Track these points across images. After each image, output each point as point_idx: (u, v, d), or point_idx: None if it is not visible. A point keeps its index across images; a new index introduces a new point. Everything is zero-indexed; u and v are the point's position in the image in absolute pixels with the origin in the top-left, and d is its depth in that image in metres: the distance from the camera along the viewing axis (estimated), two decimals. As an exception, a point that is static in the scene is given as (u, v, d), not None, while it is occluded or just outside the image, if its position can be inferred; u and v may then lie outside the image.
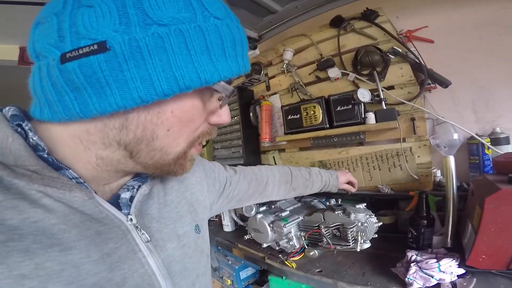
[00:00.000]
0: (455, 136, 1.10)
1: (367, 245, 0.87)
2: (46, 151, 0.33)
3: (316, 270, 0.91)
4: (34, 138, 0.33)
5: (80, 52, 0.28)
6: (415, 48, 1.19)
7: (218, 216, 1.50)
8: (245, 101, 1.74)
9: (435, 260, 0.75)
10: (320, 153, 1.49)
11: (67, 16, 0.29)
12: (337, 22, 1.35)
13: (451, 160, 0.89)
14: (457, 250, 0.80)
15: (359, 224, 0.87)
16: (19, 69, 1.41)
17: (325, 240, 0.93)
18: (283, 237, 1.02)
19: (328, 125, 1.35)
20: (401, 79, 1.22)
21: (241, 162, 1.67)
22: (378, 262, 0.89)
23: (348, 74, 1.33)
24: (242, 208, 1.09)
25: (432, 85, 1.16)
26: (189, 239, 0.49)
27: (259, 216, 1.06)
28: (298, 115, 1.43)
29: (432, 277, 0.70)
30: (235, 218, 1.36)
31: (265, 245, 1.07)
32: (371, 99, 1.23)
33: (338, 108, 1.30)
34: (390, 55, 1.21)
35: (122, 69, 0.29)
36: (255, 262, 1.13)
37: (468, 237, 0.75)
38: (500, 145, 1.01)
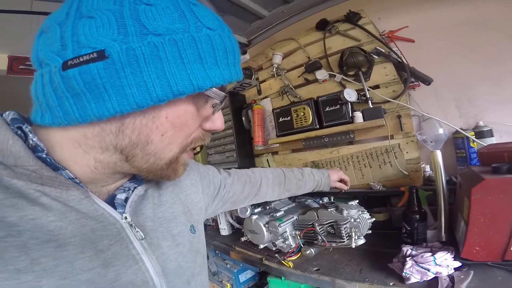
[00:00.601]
0: (441, 131, 1.11)
1: (361, 241, 0.86)
2: (45, 151, 0.35)
3: (313, 268, 0.90)
4: (34, 139, 0.34)
5: (81, 59, 0.30)
6: (397, 47, 1.21)
7: (215, 220, 1.48)
8: (237, 105, 1.73)
9: (430, 254, 0.74)
10: (312, 154, 1.48)
11: (69, 26, 0.31)
12: (323, 25, 1.36)
13: (438, 154, 0.89)
14: (452, 243, 0.79)
15: (352, 220, 0.86)
16: (7, 78, 1.38)
17: (320, 238, 0.92)
18: (279, 237, 1.01)
19: (318, 126, 1.35)
20: (386, 78, 1.23)
21: (235, 166, 1.66)
22: (374, 259, 0.88)
23: (335, 76, 1.34)
24: (237, 209, 1.08)
25: (415, 83, 1.18)
26: (183, 239, 0.49)
27: (254, 217, 1.04)
28: (289, 117, 1.43)
29: (429, 270, 0.70)
30: (231, 221, 1.34)
31: (262, 246, 1.06)
32: (358, 99, 1.24)
33: (327, 109, 1.31)
34: (373, 56, 1.23)
35: (119, 76, 0.30)
36: (253, 264, 1.11)
37: (461, 230, 0.74)
38: (484, 138, 1.02)
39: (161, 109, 0.35)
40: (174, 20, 0.33)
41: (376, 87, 1.25)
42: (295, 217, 1.04)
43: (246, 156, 1.73)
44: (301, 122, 1.39)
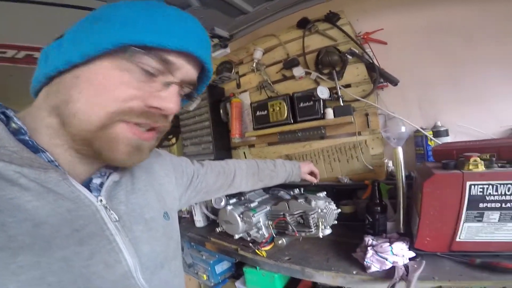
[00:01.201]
0: (403, 129, 1.18)
1: (328, 231, 0.90)
2: (27, 134, 0.37)
3: (285, 258, 0.93)
4: (18, 122, 0.37)
5: None
6: (370, 49, 1.25)
7: (190, 212, 1.47)
8: (216, 98, 1.71)
9: (388, 244, 0.79)
10: (286, 147, 1.52)
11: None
12: (303, 24, 1.38)
13: (399, 151, 0.94)
14: (409, 235, 0.85)
15: (319, 210, 0.90)
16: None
17: (290, 227, 0.96)
18: (253, 227, 1.03)
19: (292, 121, 1.39)
20: (357, 78, 1.28)
21: (211, 158, 1.64)
22: (340, 248, 0.93)
23: (311, 73, 1.37)
24: (212, 200, 1.09)
25: (384, 83, 1.23)
26: (157, 224, 0.50)
27: (229, 207, 1.06)
28: (266, 112, 1.45)
29: (387, 259, 0.74)
30: (206, 212, 1.35)
31: (237, 237, 1.08)
32: (330, 96, 1.28)
33: (301, 105, 1.34)
34: (348, 56, 1.26)
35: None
36: (228, 254, 1.13)
37: (416, 222, 0.79)
38: (441, 137, 1.10)
39: (83, 66, 0.36)
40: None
41: (348, 86, 1.30)
42: (268, 208, 1.06)
43: (223, 148, 1.72)
44: (277, 117, 1.42)
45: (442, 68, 1.14)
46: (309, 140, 1.44)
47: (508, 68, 1.03)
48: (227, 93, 1.77)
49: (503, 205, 0.65)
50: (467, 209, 0.67)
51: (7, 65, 1.63)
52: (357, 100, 1.25)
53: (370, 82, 1.25)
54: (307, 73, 1.39)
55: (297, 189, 1.17)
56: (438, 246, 0.74)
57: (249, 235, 1.07)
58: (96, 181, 0.44)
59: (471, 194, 0.66)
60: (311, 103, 1.30)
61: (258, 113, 1.49)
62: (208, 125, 1.68)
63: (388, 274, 0.73)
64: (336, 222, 0.94)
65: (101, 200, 0.41)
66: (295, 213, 0.96)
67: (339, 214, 0.95)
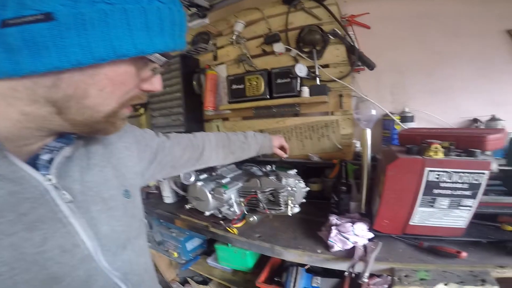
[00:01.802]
0: (373, 112, 1.22)
1: (296, 209, 0.93)
2: None
3: (256, 235, 0.94)
4: None
5: (23, 20, 0.29)
6: (353, 32, 1.22)
7: (158, 188, 1.42)
8: (189, 69, 1.60)
9: (350, 224, 0.82)
10: (260, 123, 1.50)
11: None
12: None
13: (368, 132, 0.95)
14: (369, 216, 0.88)
15: (289, 188, 0.92)
16: None
17: (261, 205, 0.97)
18: (224, 204, 1.02)
19: (268, 96, 1.36)
20: (336, 59, 1.26)
21: (182, 130, 1.57)
22: (307, 227, 0.96)
23: (291, 50, 1.33)
24: (180, 176, 1.04)
25: (361, 66, 1.23)
26: (116, 203, 0.47)
27: (199, 183, 1.03)
28: (242, 86, 1.40)
29: (348, 239, 0.77)
30: (175, 188, 1.30)
31: (207, 213, 1.06)
32: (308, 75, 1.26)
33: (278, 81, 1.31)
34: (330, 36, 1.23)
35: (62, 36, 0.30)
36: (199, 231, 1.10)
37: (376, 203, 0.82)
38: (407, 122, 1.15)
39: (102, 67, 0.34)
40: None
41: (326, 66, 1.28)
42: (240, 184, 1.05)
43: (195, 120, 1.65)
44: (253, 91, 1.37)
45: (419, 57, 1.16)
46: (283, 117, 1.43)
47: (478, 64, 1.08)
48: (202, 64, 1.66)
49: (453, 193, 0.70)
50: (423, 194, 0.71)
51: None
52: (334, 80, 1.25)
53: (348, 64, 1.24)
54: (288, 50, 1.34)
55: (269, 165, 1.17)
56: (394, 228, 0.79)
57: (220, 212, 1.06)
58: (45, 157, 0.39)
59: (429, 179, 0.70)
60: (288, 80, 1.28)
61: (234, 86, 1.43)
62: (179, 96, 1.58)
63: (349, 253, 0.77)
64: (304, 200, 0.97)
65: (50, 179, 0.37)
66: (266, 190, 0.96)
67: (307, 192, 0.97)
